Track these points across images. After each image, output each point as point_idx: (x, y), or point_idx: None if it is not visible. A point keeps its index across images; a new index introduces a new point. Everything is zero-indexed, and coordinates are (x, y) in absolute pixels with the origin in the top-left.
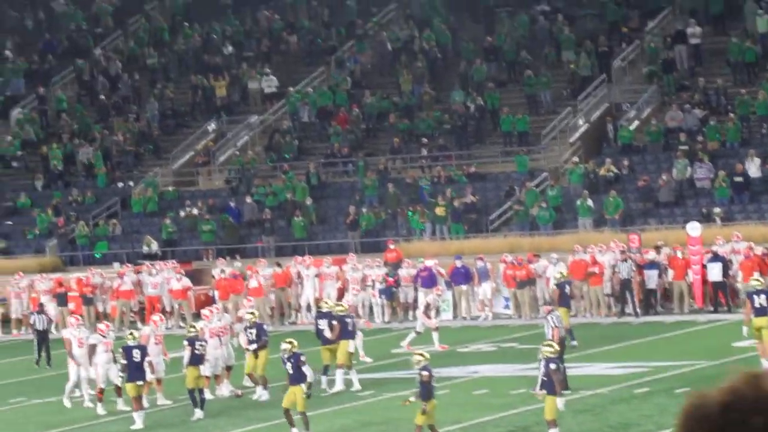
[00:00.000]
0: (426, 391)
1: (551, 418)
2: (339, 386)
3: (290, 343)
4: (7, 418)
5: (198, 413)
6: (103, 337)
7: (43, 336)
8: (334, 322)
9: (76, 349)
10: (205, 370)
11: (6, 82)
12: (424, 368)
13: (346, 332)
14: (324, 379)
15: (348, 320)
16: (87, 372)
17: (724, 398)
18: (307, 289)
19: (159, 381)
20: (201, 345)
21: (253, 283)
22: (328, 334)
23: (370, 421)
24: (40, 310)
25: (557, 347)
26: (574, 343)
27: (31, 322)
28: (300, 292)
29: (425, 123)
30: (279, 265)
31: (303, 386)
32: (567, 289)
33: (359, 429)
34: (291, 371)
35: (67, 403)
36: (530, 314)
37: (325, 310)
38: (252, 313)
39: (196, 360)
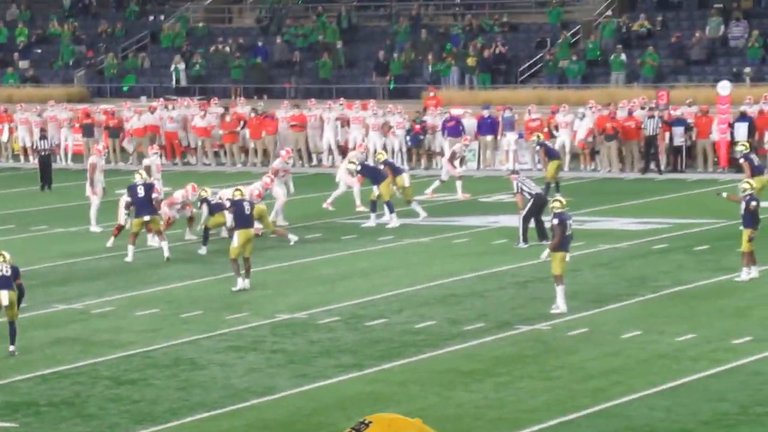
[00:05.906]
0: None
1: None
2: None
3: (239, 190)
4: (29, 245)
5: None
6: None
7: (45, 161)
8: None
9: (99, 174)
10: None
11: None
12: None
13: (395, 169)
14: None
15: (391, 161)
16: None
17: None
18: (327, 133)
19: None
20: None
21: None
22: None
23: (389, 265)
24: (43, 135)
25: (563, 202)
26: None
27: (35, 147)
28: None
29: None
30: (297, 106)
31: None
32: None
33: (378, 272)
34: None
35: (95, 228)
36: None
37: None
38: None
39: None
